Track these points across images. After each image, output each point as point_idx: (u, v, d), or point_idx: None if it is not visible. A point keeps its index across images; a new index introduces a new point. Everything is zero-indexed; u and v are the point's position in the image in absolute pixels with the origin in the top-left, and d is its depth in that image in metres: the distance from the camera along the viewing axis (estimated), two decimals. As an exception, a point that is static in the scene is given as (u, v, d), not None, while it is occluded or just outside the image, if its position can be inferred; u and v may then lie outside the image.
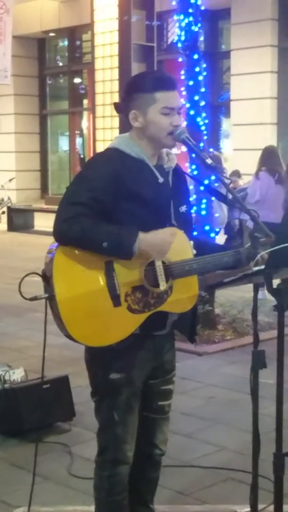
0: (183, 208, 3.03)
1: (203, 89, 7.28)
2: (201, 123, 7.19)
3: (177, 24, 7.44)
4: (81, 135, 20.71)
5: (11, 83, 16.03)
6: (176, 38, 7.69)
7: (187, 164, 7.15)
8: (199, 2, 7.25)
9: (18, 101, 20.29)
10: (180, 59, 7.42)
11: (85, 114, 20.10)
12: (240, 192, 9.27)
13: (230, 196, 3.09)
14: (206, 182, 6.21)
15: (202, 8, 7.34)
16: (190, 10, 7.19)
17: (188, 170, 6.98)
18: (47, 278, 2.82)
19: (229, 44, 15.86)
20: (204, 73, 7.34)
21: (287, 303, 2.89)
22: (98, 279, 2.79)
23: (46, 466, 4.17)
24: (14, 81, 17.56)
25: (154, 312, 2.87)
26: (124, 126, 3.08)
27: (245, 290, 5.16)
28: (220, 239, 9.79)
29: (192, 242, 3.00)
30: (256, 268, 2.87)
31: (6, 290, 9.03)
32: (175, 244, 2.91)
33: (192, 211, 3.73)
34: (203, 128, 7.22)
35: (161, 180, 2.94)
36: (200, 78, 7.26)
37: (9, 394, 4.72)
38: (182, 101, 6.91)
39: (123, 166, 2.86)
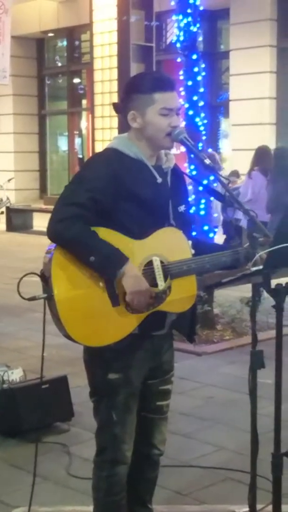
0: (182, 208, 3.02)
1: (202, 89, 7.29)
2: (200, 123, 7.20)
3: (176, 24, 7.45)
4: (80, 135, 20.69)
5: (10, 83, 15.96)
6: (175, 38, 7.70)
7: (186, 164, 7.16)
8: (198, 2, 7.25)
9: (17, 101, 20.28)
10: (179, 59, 7.42)
11: (84, 114, 20.08)
12: (233, 191, 9.26)
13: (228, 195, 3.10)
14: (205, 182, 6.21)
15: (201, 8, 7.34)
16: (189, 10, 7.20)
17: (187, 170, 6.98)
18: (45, 278, 2.82)
19: (228, 44, 15.86)
20: (203, 73, 7.35)
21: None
22: (97, 279, 2.79)
23: (45, 466, 4.16)
24: (13, 81, 17.54)
25: (152, 312, 2.86)
26: (123, 126, 3.07)
27: (244, 290, 5.15)
28: (219, 239, 9.78)
29: (190, 242, 3.00)
30: (254, 268, 2.87)
31: (5, 290, 9.01)
32: (174, 244, 2.91)
33: (191, 211, 3.72)
34: (202, 128, 7.23)
35: (159, 180, 2.93)
36: (199, 78, 7.26)
37: (8, 394, 4.72)
38: (181, 101, 6.92)
39: (122, 167, 2.86)
